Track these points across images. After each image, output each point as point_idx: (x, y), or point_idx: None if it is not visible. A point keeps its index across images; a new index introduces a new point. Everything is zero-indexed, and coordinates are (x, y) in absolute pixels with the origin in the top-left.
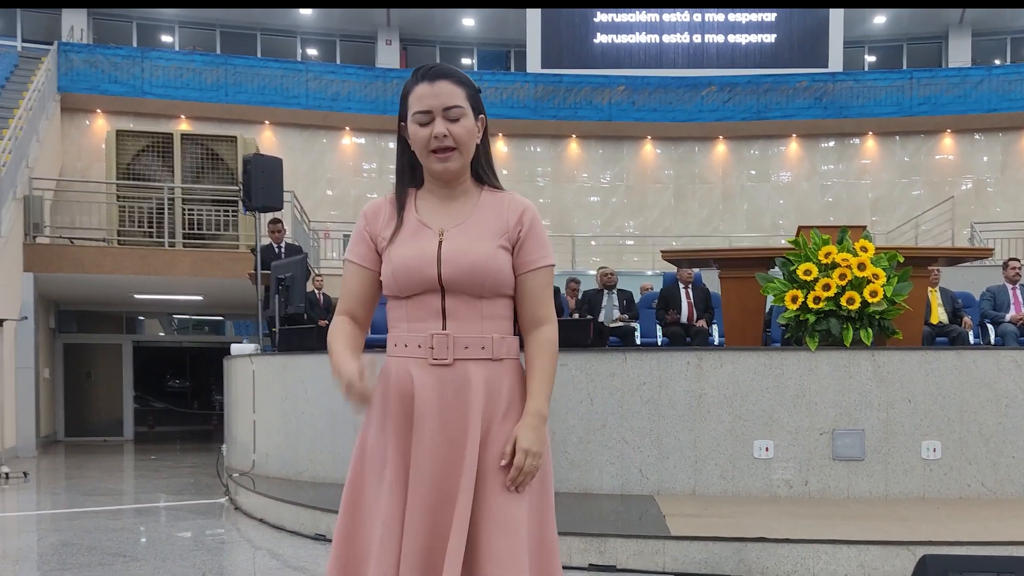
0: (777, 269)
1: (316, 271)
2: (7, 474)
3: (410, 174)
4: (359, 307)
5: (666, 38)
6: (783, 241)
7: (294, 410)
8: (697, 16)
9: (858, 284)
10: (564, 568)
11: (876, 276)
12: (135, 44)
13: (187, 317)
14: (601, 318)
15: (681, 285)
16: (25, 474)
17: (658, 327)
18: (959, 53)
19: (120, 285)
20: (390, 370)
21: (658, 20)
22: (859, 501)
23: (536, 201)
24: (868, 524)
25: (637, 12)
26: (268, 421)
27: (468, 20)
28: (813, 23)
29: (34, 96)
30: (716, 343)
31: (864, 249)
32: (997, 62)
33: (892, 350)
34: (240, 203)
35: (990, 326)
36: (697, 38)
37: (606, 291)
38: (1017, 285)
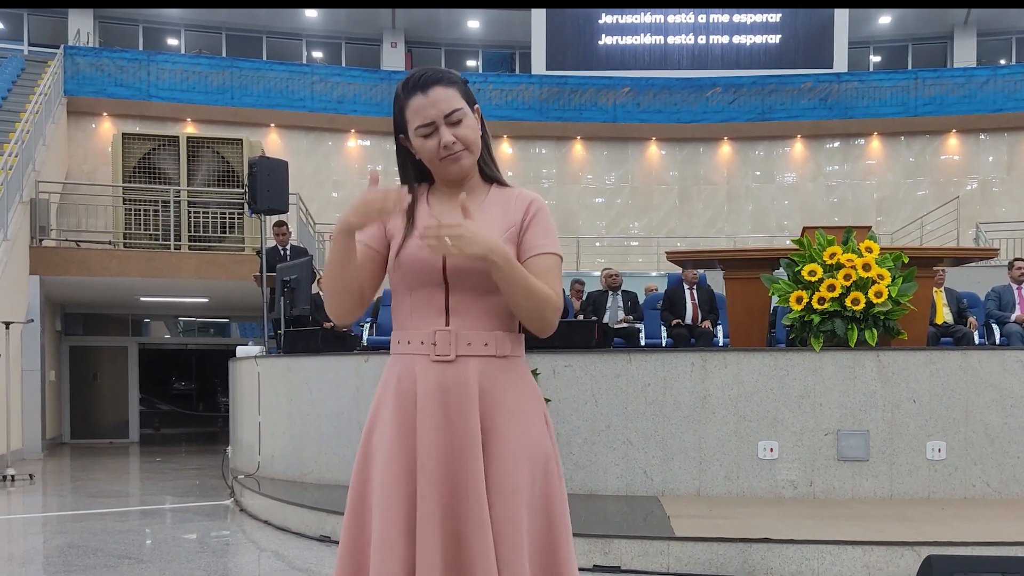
0: (782, 270)
1: (321, 273)
2: (13, 476)
3: (416, 175)
4: (362, 272)
5: (670, 39)
6: (788, 242)
7: (299, 412)
8: (702, 17)
9: (863, 285)
10: None
11: (881, 277)
12: (141, 47)
13: (193, 319)
14: (606, 319)
15: (686, 286)
16: (31, 476)
17: (663, 328)
18: (964, 53)
19: (126, 288)
20: (394, 367)
21: (663, 22)
22: (864, 502)
23: None
24: (873, 525)
25: (642, 14)
26: (273, 423)
27: (473, 22)
28: (818, 24)
29: (40, 99)
30: (721, 344)
31: (869, 250)
32: (1002, 62)
33: (897, 350)
34: (246, 206)
35: (995, 326)
36: (702, 39)
37: (611, 292)
38: (1022, 285)
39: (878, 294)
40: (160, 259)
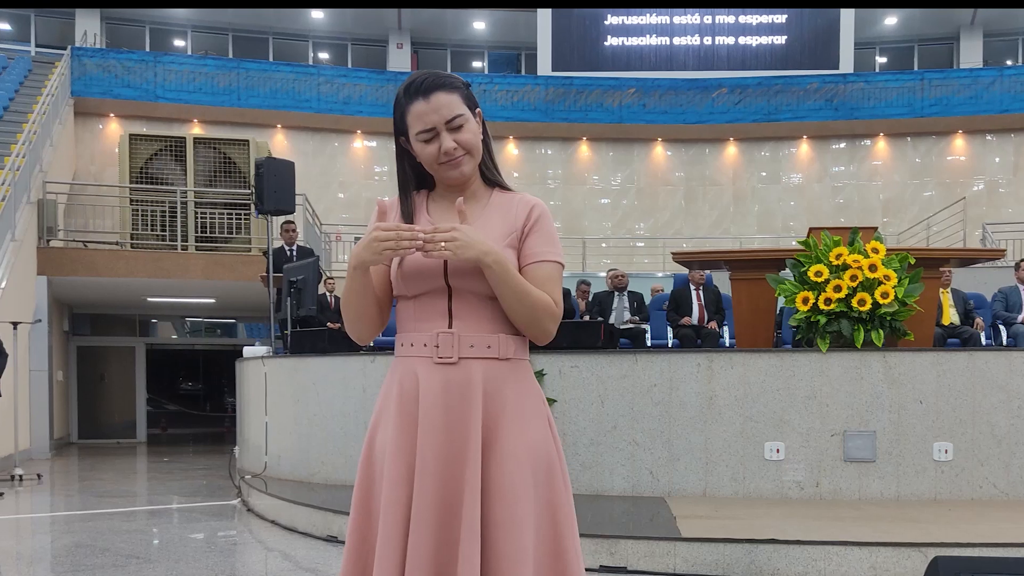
0: (788, 271)
1: (328, 274)
2: (21, 476)
3: (416, 180)
4: (378, 294)
5: (676, 40)
6: (794, 243)
7: (306, 412)
8: (707, 18)
9: (869, 285)
10: None
11: (887, 277)
12: (148, 48)
13: (199, 320)
14: (612, 320)
15: (692, 287)
16: (39, 476)
17: (669, 329)
18: (970, 54)
19: (133, 288)
20: (397, 369)
21: (668, 23)
22: (870, 503)
23: (547, 204)
24: (879, 526)
25: (647, 14)
26: (280, 423)
27: (479, 23)
28: (824, 24)
29: (48, 101)
30: (727, 345)
31: (875, 250)
32: (1009, 63)
33: (903, 351)
34: (252, 206)
35: (1002, 327)
36: (708, 40)
37: (617, 293)
38: None
39: (884, 295)
40: (167, 260)
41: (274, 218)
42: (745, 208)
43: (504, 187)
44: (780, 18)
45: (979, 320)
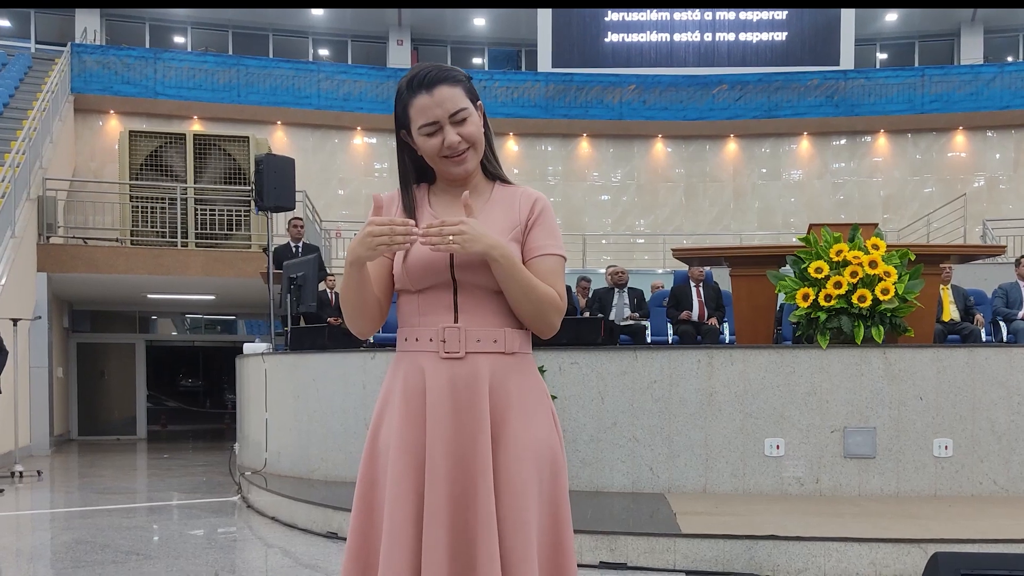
0: (788, 267)
1: (328, 270)
2: (21, 472)
3: (416, 174)
4: (377, 289)
5: (677, 36)
6: (794, 239)
7: (306, 409)
8: (708, 14)
9: (869, 282)
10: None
11: (887, 274)
12: (148, 45)
13: (200, 316)
14: (612, 316)
15: (692, 283)
16: (39, 472)
17: (669, 325)
18: (971, 50)
19: (133, 285)
20: (400, 364)
21: (668, 19)
22: (870, 499)
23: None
24: (879, 522)
25: (648, 11)
26: (280, 420)
27: (479, 20)
28: (824, 21)
29: (47, 97)
30: (727, 341)
31: (875, 247)
32: (1010, 59)
33: (904, 348)
34: (252, 203)
35: (1002, 323)
36: (708, 36)
37: (617, 289)
38: None
39: (885, 291)
40: (167, 256)
41: (275, 215)
42: (745, 204)
43: (505, 180)
44: (780, 14)
45: (979, 316)
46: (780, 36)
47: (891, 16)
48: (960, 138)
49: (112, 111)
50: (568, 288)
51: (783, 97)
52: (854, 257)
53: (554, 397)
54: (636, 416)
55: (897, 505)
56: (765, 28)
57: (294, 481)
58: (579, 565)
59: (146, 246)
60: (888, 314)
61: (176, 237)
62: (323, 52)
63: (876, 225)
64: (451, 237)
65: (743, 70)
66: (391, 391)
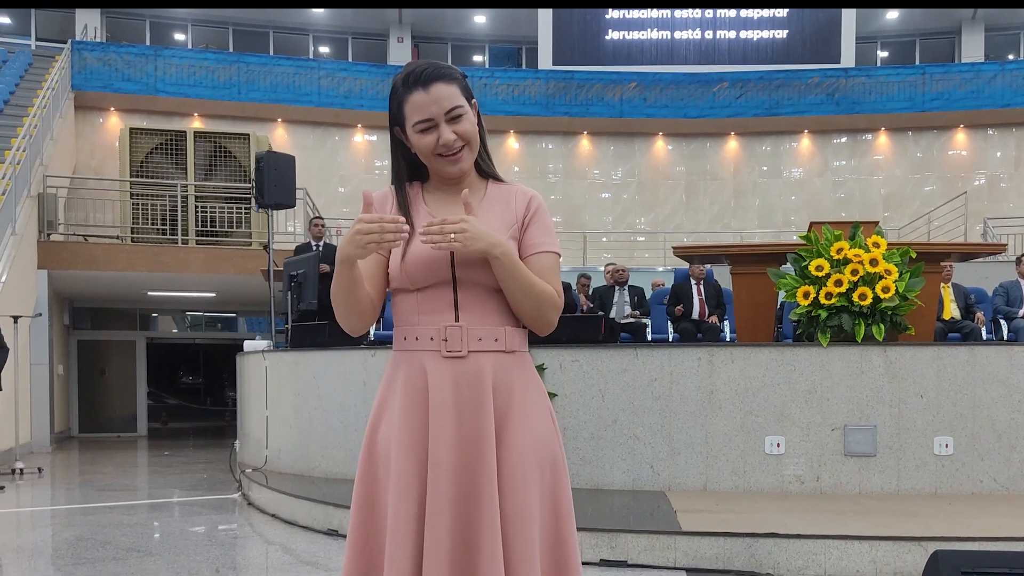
0: (789, 265)
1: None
2: (22, 470)
3: (409, 171)
4: (369, 286)
5: (677, 34)
6: (795, 237)
7: (306, 406)
8: (708, 12)
9: (870, 280)
10: None
11: (888, 272)
12: (148, 42)
13: (200, 314)
14: (612, 314)
15: (692, 281)
16: (40, 470)
17: (669, 323)
18: (972, 48)
19: (133, 282)
20: (399, 363)
21: (669, 16)
22: (871, 497)
23: (547, 198)
24: (880, 520)
25: (648, 8)
26: (281, 417)
27: (480, 17)
28: (825, 19)
29: (48, 94)
30: (727, 339)
31: (876, 245)
32: (1011, 57)
33: (904, 346)
34: (253, 200)
35: (1003, 322)
36: (709, 34)
37: (617, 287)
38: None
39: (885, 289)
40: (167, 253)
41: (275, 212)
42: (746, 202)
43: (498, 179)
44: (781, 12)
45: (980, 315)
46: (781, 34)
47: (892, 14)
48: (961, 136)
49: (113, 108)
50: (568, 286)
51: (784, 95)
52: (855, 255)
53: (555, 395)
54: (637, 414)
55: (897, 503)
56: (766, 26)
57: (294, 478)
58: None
59: (147, 243)
60: (889, 312)
61: (176, 234)
62: (323, 49)
63: (877, 223)
64: (452, 235)
65: (744, 68)
66: (390, 389)
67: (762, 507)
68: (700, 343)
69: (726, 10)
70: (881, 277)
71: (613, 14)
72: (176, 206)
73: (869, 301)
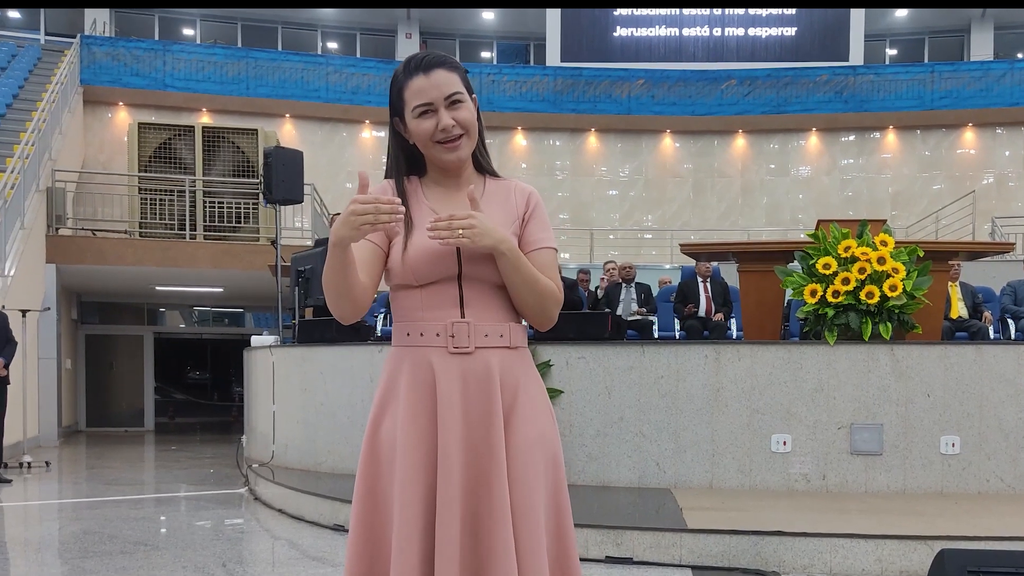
0: (796, 263)
1: None
2: (30, 463)
3: (407, 165)
4: (363, 274)
5: (686, 31)
6: (802, 235)
7: (313, 401)
8: (717, 9)
9: (877, 278)
10: (581, 560)
11: (896, 270)
12: (157, 37)
13: (208, 309)
14: (619, 311)
15: (699, 279)
16: (47, 463)
17: (676, 321)
18: (981, 46)
19: (141, 277)
20: (403, 359)
21: (678, 14)
22: (877, 496)
23: (554, 195)
24: (886, 519)
25: (657, 7)
26: (287, 412)
27: (488, 13)
28: (834, 17)
29: (57, 89)
30: (734, 337)
31: (884, 243)
32: (1020, 56)
33: (911, 344)
34: (261, 196)
35: (1010, 321)
36: (717, 31)
37: (624, 285)
38: None
39: (893, 288)
40: (175, 248)
41: (283, 207)
42: (753, 200)
43: (495, 174)
44: (790, 10)
45: (987, 314)
46: (789, 31)
47: (901, 12)
48: (969, 135)
49: (121, 103)
50: (574, 283)
51: (792, 93)
52: (862, 253)
53: (561, 391)
54: (643, 411)
55: (904, 502)
56: (774, 23)
57: (301, 473)
58: (585, 559)
59: (155, 238)
60: (896, 311)
61: (184, 229)
62: (332, 45)
63: (884, 221)
64: (460, 231)
65: (752, 65)
66: (394, 385)
67: (768, 505)
68: (707, 341)
69: (734, 8)
70: (888, 276)
71: (621, 12)
72: (184, 201)
73: (876, 299)
